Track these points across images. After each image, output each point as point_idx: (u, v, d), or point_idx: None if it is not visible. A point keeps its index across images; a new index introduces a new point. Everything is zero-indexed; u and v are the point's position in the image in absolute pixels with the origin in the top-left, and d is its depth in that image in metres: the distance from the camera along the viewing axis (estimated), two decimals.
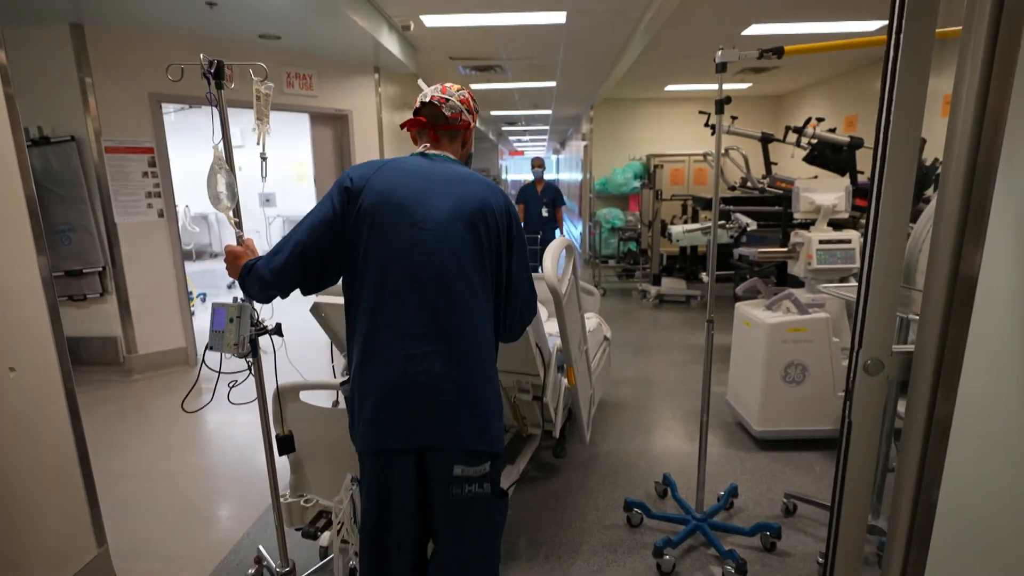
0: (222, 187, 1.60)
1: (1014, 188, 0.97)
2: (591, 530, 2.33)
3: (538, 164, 6.07)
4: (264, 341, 1.74)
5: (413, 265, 1.30)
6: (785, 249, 3.07)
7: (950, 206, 1.06)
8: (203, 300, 6.70)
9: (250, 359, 1.70)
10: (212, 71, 1.61)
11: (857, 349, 1.20)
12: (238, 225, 1.68)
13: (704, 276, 5.22)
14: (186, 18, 3.72)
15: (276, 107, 4.83)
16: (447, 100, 1.44)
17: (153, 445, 3.19)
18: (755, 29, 4.71)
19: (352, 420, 1.37)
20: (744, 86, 7.48)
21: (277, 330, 1.70)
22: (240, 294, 1.55)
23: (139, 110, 3.99)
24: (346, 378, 1.41)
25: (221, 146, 1.64)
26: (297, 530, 1.95)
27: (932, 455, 1.14)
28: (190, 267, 8.74)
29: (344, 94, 5.10)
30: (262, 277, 1.36)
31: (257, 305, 1.67)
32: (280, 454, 1.83)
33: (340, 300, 1.94)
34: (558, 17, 4.32)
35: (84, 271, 3.98)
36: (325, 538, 2.09)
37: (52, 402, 1.88)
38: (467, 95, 1.49)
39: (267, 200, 9.64)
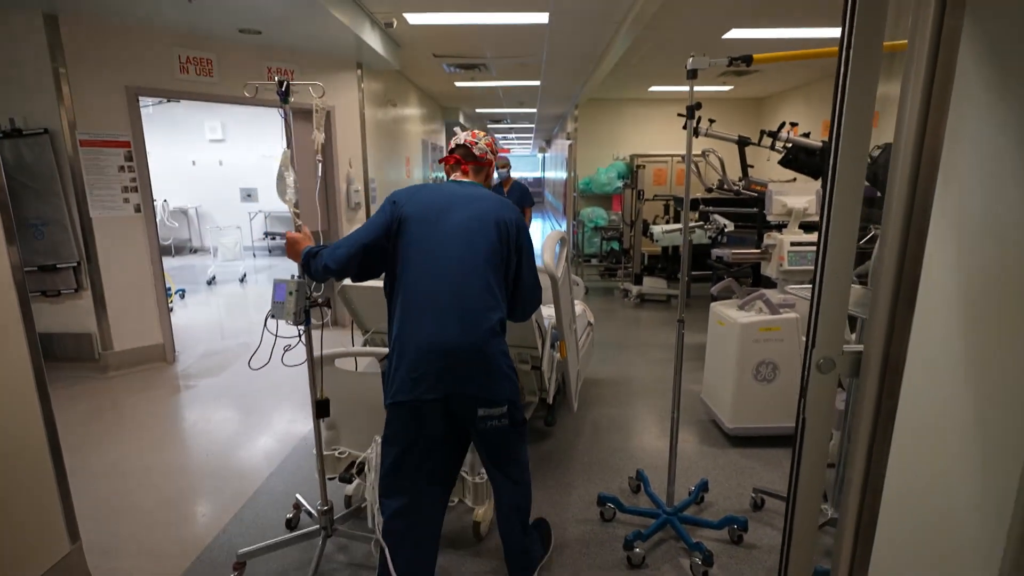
0: (290, 183, 1.89)
1: (952, 190, 1.03)
2: (565, 524, 2.38)
3: (502, 164, 5.83)
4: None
5: (440, 260, 1.67)
6: (758, 250, 3.15)
7: (896, 211, 1.12)
8: (182, 296, 6.61)
9: (302, 327, 1.96)
10: (283, 90, 1.93)
11: (810, 348, 1.25)
12: (298, 216, 1.94)
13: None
14: (164, 11, 3.68)
15: (257, 102, 4.79)
16: (476, 143, 1.89)
17: (129, 442, 3.16)
18: (735, 33, 4.79)
19: (387, 380, 1.69)
20: (726, 88, 7.59)
21: (327, 303, 1.98)
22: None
23: (115, 103, 3.94)
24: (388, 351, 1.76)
25: (287, 151, 1.94)
26: (330, 479, 2.22)
27: (878, 449, 1.20)
28: (169, 262, 8.66)
29: (326, 90, 5.07)
30: (327, 264, 1.73)
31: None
32: (317, 417, 2.02)
33: (364, 285, 2.32)
34: (540, 17, 4.35)
35: (58, 266, 3.92)
36: (350, 488, 2.46)
37: (23, 398, 1.87)
38: (491, 140, 1.93)
39: (248, 195, 9.54)
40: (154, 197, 4.32)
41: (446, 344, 1.61)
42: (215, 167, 9.47)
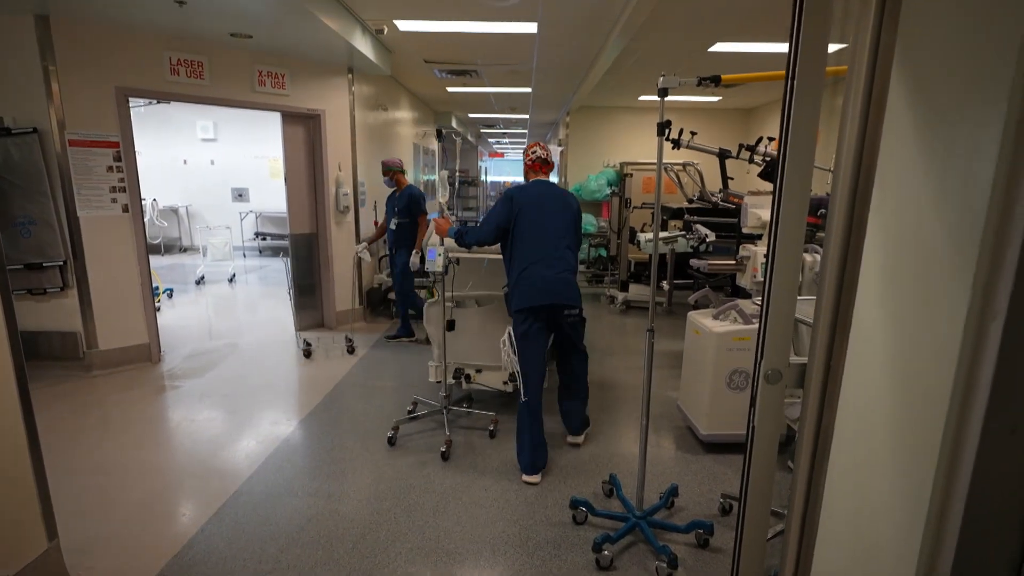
0: (445, 186, 3.21)
1: (884, 209, 1.10)
2: (537, 527, 2.43)
3: (385, 171, 5.02)
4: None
5: (545, 231, 2.85)
6: (733, 262, 3.22)
7: (837, 225, 1.18)
8: (169, 296, 6.61)
9: (442, 275, 3.15)
10: (441, 134, 2.95)
11: (759, 360, 1.32)
12: (447, 207, 3.20)
13: (664, 284, 5.38)
14: (154, 14, 3.72)
15: (248, 105, 4.83)
16: (549, 155, 3.04)
17: (111, 441, 3.18)
18: (720, 47, 4.88)
19: (512, 300, 2.87)
20: (714, 99, 7.70)
21: (457, 261, 3.24)
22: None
23: (105, 104, 3.97)
24: (506, 288, 2.98)
25: (444, 173, 3.29)
26: (437, 382, 3.51)
27: (820, 455, 1.26)
28: (158, 261, 8.64)
29: (317, 94, 5.13)
30: (479, 239, 2.96)
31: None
32: (448, 331, 3.29)
33: (464, 254, 3.31)
34: (529, 27, 4.42)
35: (44, 264, 3.93)
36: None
37: (2, 395, 1.90)
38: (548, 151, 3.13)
39: (239, 195, 9.54)
40: (143, 196, 4.34)
41: (551, 278, 2.79)
42: (206, 166, 9.48)
